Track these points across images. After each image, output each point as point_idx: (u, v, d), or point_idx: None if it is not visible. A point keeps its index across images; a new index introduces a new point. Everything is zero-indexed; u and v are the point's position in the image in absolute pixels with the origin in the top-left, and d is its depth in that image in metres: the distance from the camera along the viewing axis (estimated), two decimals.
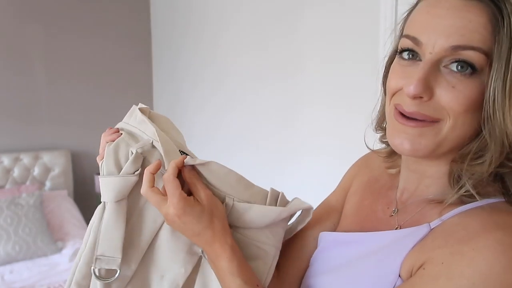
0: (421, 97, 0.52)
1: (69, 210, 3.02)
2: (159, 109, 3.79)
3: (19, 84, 3.27)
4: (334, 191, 0.82)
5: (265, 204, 0.65)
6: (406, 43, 0.55)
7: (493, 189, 0.55)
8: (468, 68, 0.50)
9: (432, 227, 0.55)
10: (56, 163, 3.27)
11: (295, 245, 0.75)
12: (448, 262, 0.49)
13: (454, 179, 0.55)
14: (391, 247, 0.57)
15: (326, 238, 0.70)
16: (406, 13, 0.61)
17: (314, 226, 0.74)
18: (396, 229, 0.60)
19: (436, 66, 0.52)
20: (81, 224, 2.96)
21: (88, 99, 3.54)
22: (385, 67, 0.64)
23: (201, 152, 3.38)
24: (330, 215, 0.76)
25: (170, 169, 0.60)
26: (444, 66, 0.52)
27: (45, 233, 2.66)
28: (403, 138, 0.54)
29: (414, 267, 0.53)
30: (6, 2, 3.18)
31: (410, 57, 0.55)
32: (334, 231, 0.73)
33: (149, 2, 3.75)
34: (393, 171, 0.68)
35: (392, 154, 0.67)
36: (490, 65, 0.49)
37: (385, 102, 0.62)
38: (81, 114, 3.52)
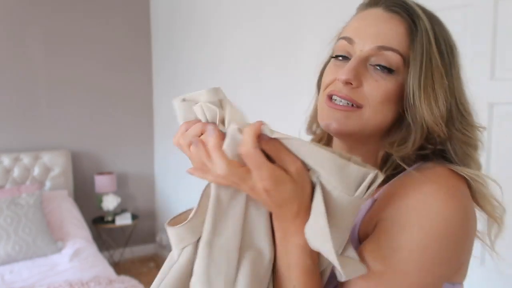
0: (351, 84, 0.63)
1: (69, 210, 3.02)
2: (159, 109, 3.80)
3: (19, 84, 3.28)
4: None
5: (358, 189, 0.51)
6: (341, 43, 0.66)
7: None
8: (386, 69, 0.63)
9: (375, 198, 0.64)
10: (56, 163, 3.27)
11: None
12: (397, 215, 0.58)
13: (383, 160, 0.67)
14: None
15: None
16: (341, 30, 0.72)
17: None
18: None
19: (364, 62, 0.63)
20: (81, 224, 2.96)
21: (88, 99, 3.54)
22: (320, 72, 0.75)
23: None
24: None
25: (248, 138, 0.51)
26: (370, 64, 0.63)
27: (45, 233, 2.66)
28: (332, 119, 0.64)
29: (369, 230, 0.62)
30: (8, 6, 3.19)
31: (343, 59, 0.66)
32: None
33: (149, 5, 3.75)
34: None
35: (320, 141, 0.77)
36: (407, 66, 0.62)
37: (316, 105, 0.72)
38: (81, 114, 3.52)
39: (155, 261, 3.80)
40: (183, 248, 0.61)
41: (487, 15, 1.43)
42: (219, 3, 2.91)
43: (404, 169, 0.64)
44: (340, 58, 0.66)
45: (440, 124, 0.61)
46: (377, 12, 0.65)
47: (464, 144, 0.65)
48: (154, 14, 3.72)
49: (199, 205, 0.61)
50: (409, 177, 0.62)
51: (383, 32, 0.63)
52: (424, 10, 0.65)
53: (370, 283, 0.57)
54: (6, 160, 3.12)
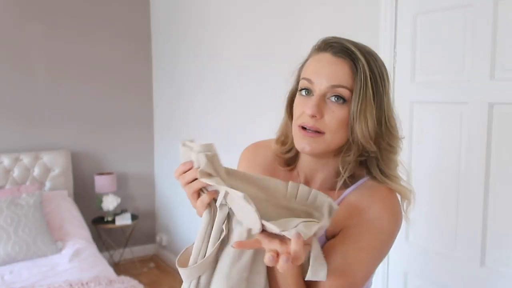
0: (315, 116, 0.83)
1: (69, 210, 3.02)
2: (159, 109, 3.80)
3: (20, 84, 3.28)
4: None
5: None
6: (304, 83, 0.86)
7: (362, 172, 0.90)
8: (340, 99, 0.83)
9: (338, 202, 0.88)
10: (56, 163, 3.27)
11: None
12: (359, 226, 0.84)
13: (337, 171, 0.89)
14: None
15: None
16: (301, 64, 0.93)
17: None
18: None
19: (323, 98, 0.84)
20: (81, 224, 2.96)
21: (88, 99, 3.54)
22: (288, 99, 0.94)
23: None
24: None
25: (299, 250, 0.67)
26: (327, 98, 0.84)
27: (45, 233, 2.66)
28: (305, 143, 0.85)
29: (335, 231, 0.85)
30: (7, 4, 3.19)
31: (307, 94, 0.86)
32: None
33: (149, 2, 3.76)
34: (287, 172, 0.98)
35: (285, 161, 0.98)
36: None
37: (285, 123, 0.95)
38: (81, 114, 3.52)
39: (155, 261, 3.80)
40: (191, 281, 0.79)
41: (487, 15, 1.43)
42: (218, 3, 2.91)
43: (353, 178, 0.89)
44: (304, 93, 0.86)
45: (369, 142, 0.83)
46: (327, 57, 0.85)
47: (389, 151, 0.87)
48: (154, 14, 3.72)
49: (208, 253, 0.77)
50: (363, 195, 0.87)
51: (334, 73, 0.83)
52: (361, 50, 0.84)
53: (339, 273, 0.81)
54: (6, 160, 3.12)
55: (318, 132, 0.84)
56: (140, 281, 2.48)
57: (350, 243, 0.82)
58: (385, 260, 1.81)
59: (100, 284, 2.21)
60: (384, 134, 0.85)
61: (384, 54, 1.72)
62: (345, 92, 0.82)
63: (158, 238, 3.92)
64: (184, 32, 3.32)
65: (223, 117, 2.94)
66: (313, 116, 0.83)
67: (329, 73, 0.83)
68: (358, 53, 0.83)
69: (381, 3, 1.76)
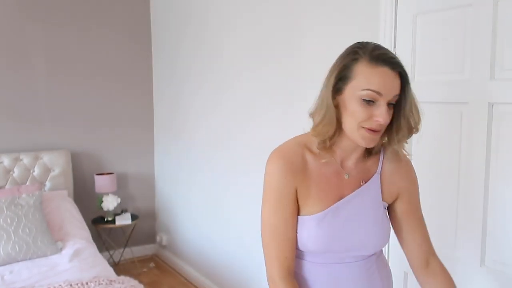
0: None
1: (69, 210, 3.02)
2: (159, 109, 3.80)
3: (20, 84, 3.28)
4: (276, 202, 1.11)
5: None
6: (372, 95, 1.00)
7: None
8: (392, 104, 1.04)
9: (379, 173, 1.16)
10: (56, 163, 3.27)
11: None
12: (411, 184, 1.20)
13: (375, 148, 1.17)
14: (371, 192, 1.14)
15: (319, 216, 1.10)
16: (340, 67, 1.05)
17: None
18: (361, 183, 1.14)
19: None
20: (81, 224, 2.96)
21: (88, 99, 3.54)
22: (331, 96, 1.05)
23: (205, 154, 3.37)
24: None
25: None
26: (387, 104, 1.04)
27: (45, 233, 2.66)
28: (371, 142, 1.05)
29: (391, 193, 1.17)
30: (8, 4, 3.19)
31: (370, 103, 1.01)
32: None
33: (149, 2, 3.75)
34: (324, 160, 1.12)
35: (325, 150, 1.11)
36: (400, 99, 1.04)
37: (330, 119, 1.06)
38: (81, 114, 3.52)
39: (155, 261, 3.80)
40: None
41: (487, 15, 1.43)
42: (218, 3, 2.90)
43: (378, 150, 1.18)
44: (368, 102, 1.01)
45: (419, 126, 1.09)
46: (387, 72, 1.00)
47: (417, 131, 1.13)
48: (154, 14, 3.72)
49: None
50: (399, 160, 1.17)
51: (396, 86, 1.01)
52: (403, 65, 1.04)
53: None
54: (6, 160, 3.12)
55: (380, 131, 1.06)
56: (140, 281, 2.48)
57: (416, 199, 1.20)
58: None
59: (100, 284, 2.21)
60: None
61: None
62: (397, 98, 1.03)
63: (158, 238, 3.92)
64: (184, 32, 3.32)
65: (223, 117, 2.93)
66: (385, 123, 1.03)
67: (393, 87, 1.01)
68: (403, 66, 1.03)
69: (381, 3, 1.76)
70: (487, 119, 1.45)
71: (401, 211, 1.18)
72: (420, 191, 1.21)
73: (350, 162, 1.14)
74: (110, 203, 3.36)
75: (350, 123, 1.04)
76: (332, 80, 1.04)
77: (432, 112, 1.62)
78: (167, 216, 3.78)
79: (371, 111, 1.01)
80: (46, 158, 3.24)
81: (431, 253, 1.19)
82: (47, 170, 3.24)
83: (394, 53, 1.73)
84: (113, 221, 3.42)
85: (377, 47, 1.03)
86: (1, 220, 2.58)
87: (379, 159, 1.17)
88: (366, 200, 1.13)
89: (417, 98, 1.08)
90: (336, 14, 2.01)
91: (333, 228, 1.10)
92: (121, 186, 3.69)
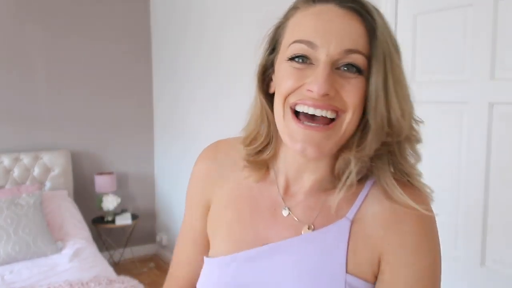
0: (327, 95, 0.58)
1: (69, 210, 3.02)
2: (159, 109, 3.80)
3: (20, 84, 3.27)
4: (188, 213, 0.81)
5: None
6: (299, 47, 0.59)
7: (368, 168, 0.64)
8: (354, 69, 0.58)
9: (350, 219, 0.64)
10: (56, 163, 3.27)
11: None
12: (402, 253, 0.62)
13: (340, 167, 0.63)
14: (324, 249, 0.63)
15: (222, 261, 0.69)
16: (276, 26, 0.66)
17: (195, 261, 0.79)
18: (309, 229, 0.65)
19: (332, 67, 0.58)
20: (81, 224, 2.96)
21: (88, 99, 3.54)
22: (258, 79, 0.69)
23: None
24: (198, 240, 0.78)
25: None
26: (336, 68, 0.59)
27: (45, 233, 2.66)
28: (307, 143, 0.58)
29: (371, 262, 0.62)
30: (6, 4, 3.19)
31: (302, 62, 0.59)
32: (219, 255, 0.70)
33: (149, 2, 3.75)
34: (251, 179, 0.70)
35: (255, 164, 0.69)
36: (369, 67, 0.59)
37: (256, 114, 0.69)
38: (81, 114, 3.52)
39: (155, 261, 3.80)
40: None
41: (487, 15, 1.43)
42: (218, 3, 2.90)
43: (362, 178, 0.64)
44: (298, 62, 0.60)
45: (411, 126, 0.63)
46: (332, 9, 0.59)
47: (412, 140, 0.65)
48: (154, 14, 3.72)
49: None
50: (395, 210, 0.63)
51: (348, 30, 0.58)
52: (370, 3, 0.60)
53: None
54: (6, 160, 3.11)
55: (331, 120, 0.59)
56: (140, 281, 2.48)
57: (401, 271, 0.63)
58: None
59: (100, 284, 2.21)
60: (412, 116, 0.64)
61: None
62: (362, 60, 0.58)
63: (158, 238, 3.92)
64: (184, 32, 3.32)
65: (223, 117, 2.94)
66: (324, 95, 0.58)
67: (342, 30, 0.57)
68: (370, 6, 0.60)
69: (381, 3, 1.76)
70: (487, 119, 1.45)
71: None
72: None
73: (300, 189, 0.67)
74: (110, 203, 3.36)
75: (276, 104, 0.63)
76: (261, 60, 0.68)
77: (432, 112, 1.62)
78: (167, 216, 3.78)
79: (303, 78, 0.59)
80: (46, 158, 3.24)
81: None
82: (47, 170, 3.24)
83: None
84: (113, 221, 3.42)
85: None
86: (1, 220, 2.58)
87: (358, 194, 0.65)
88: (306, 261, 0.63)
89: (414, 98, 0.70)
90: None
91: None
92: (121, 186, 3.69)
